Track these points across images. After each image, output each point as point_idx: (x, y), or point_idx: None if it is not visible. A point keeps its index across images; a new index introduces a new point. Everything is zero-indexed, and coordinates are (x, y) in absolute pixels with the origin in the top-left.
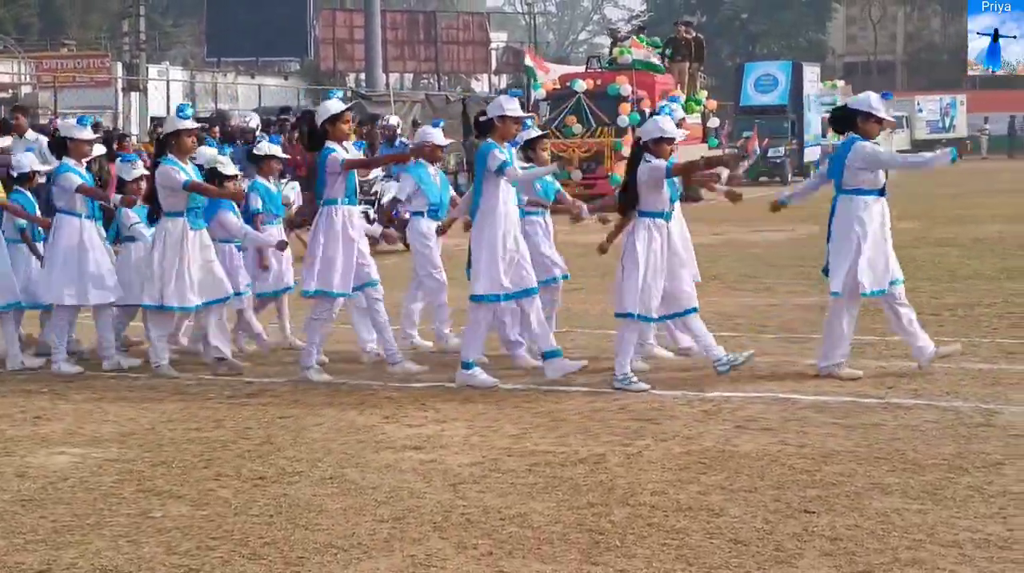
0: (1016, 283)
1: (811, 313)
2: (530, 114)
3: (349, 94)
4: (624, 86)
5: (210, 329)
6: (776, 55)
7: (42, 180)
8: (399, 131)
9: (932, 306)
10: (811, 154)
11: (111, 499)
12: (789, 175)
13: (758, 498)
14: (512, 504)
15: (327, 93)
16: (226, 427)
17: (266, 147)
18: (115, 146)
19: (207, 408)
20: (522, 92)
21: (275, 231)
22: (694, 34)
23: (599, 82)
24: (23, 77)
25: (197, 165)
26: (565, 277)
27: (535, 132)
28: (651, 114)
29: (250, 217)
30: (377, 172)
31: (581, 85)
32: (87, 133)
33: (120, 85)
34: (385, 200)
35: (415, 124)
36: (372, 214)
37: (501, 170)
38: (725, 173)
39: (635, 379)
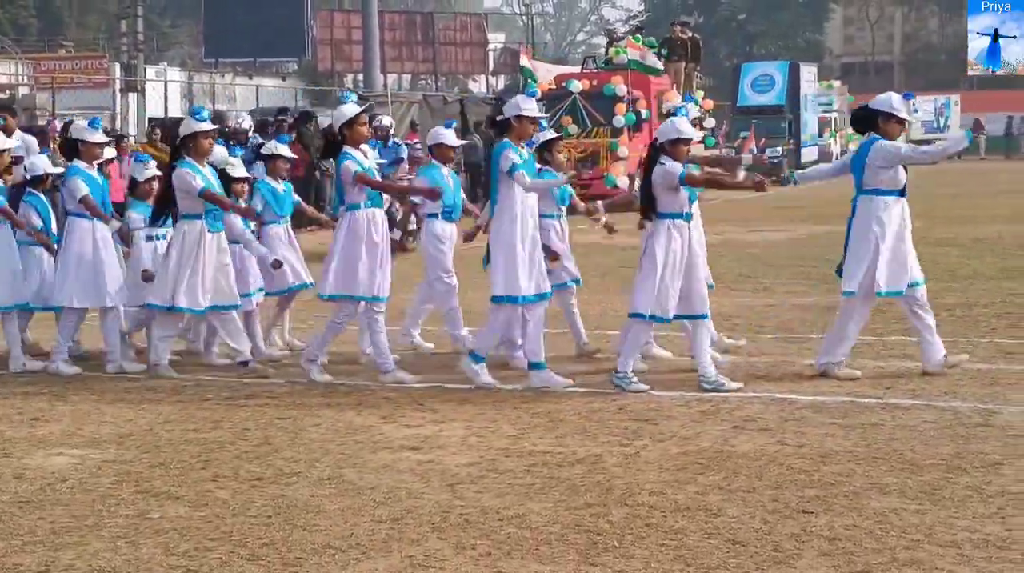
0: (1014, 283)
1: (809, 313)
2: (546, 114)
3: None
4: (620, 86)
5: (227, 335)
6: (773, 55)
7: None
8: (392, 132)
9: (931, 306)
10: (808, 154)
11: (109, 500)
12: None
13: (756, 498)
14: (510, 504)
15: (342, 96)
16: (224, 428)
17: (273, 147)
18: (113, 147)
19: (205, 409)
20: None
21: (280, 231)
22: (690, 34)
23: (595, 82)
24: (21, 78)
25: (210, 164)
26: (577, 282)
27: (551, 134)
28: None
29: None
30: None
31: (577, 86)
32: (99, 136)
33: (118, 86)
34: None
35: (413, 125)
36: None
37: (511, 172)
38: (742, 174)
39: (635, 379)
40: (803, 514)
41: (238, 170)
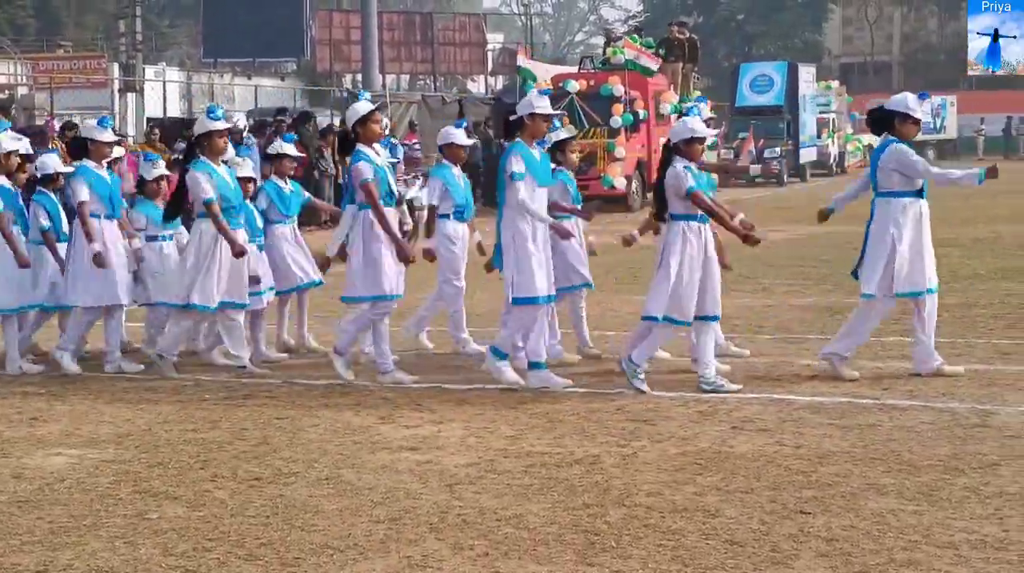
0: (1012, 283)
1: (808, 314)
2: (560, 112)
3: (345, 95)
4: (617, 87)
5: (229, 339)
6: (772, 56)
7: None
8: (387, 132)
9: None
10: (806, 155)
11: (107, 500)
12: (785, 176)
13: (754, 499)
14: (508, 505)
15: (357, 94)
16: (222, 428)
17: (279, 146)
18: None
19: (203, 409)
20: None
21: (287, 231)
22: (688, 34)
23: (592, 83)
24: (19, 78)
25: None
26: (588, 285)
27: (564, 134)
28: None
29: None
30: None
31: (574, 86)
32: (108, 135)
33: (116, 86)
34: (421, 210)
35: (412, 125)
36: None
37: (512, 178)
38: (738, 219)
39: (642, 377)
40: (801, 515)
41: (244, 170)
